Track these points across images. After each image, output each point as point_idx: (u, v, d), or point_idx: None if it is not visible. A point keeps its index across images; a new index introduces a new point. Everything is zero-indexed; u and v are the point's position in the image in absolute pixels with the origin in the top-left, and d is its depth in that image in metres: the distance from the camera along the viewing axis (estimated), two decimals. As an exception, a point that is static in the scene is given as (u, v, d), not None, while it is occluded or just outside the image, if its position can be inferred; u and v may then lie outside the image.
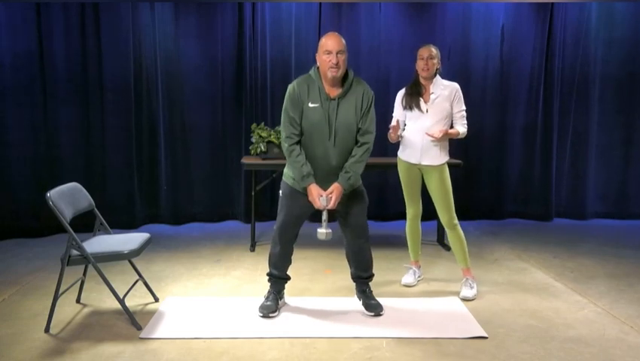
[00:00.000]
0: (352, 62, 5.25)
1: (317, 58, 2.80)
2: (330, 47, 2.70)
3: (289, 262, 3.05)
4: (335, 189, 2.78)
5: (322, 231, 2.82)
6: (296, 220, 2.92)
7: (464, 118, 3.29)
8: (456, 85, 3.29)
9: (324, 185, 2.81)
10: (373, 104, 2.84)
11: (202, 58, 5.13)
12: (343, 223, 2.96)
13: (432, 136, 3.19)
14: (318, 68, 2.81)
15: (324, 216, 2.84)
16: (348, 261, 3.08)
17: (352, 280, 3.12)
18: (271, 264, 3.03)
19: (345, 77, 2.80)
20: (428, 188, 3.35)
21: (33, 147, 4.75)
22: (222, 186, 5.35)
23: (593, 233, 5.12)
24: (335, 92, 2.79)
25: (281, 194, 2.96)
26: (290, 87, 2.82)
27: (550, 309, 3.12)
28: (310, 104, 2.76)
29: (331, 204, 2.77)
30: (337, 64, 2.70)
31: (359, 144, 2.82)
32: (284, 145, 2.82)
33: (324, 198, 2.77)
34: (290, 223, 2.90)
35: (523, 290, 3.45)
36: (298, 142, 2.81)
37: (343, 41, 2.75)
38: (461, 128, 3.27)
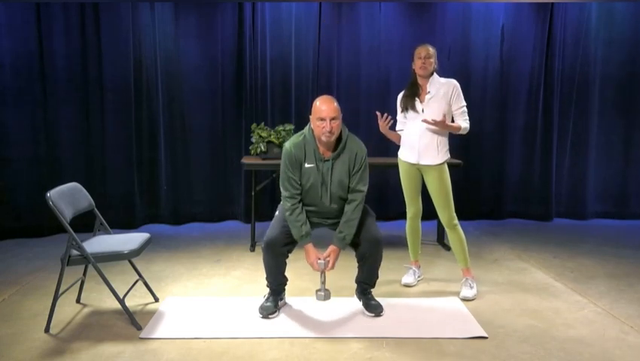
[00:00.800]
0: (352, 61, 5.29)
1: (311, 120, 2.85)
2: (324, 115, 2.75)
3: (283, 268, 2.99)
4: (332, 252, 2.86)
5: (321, 293, 2.90)
6: (287, 238, 2.89)
7: (466, 114, 3.28)
8: (454, 81, 3.28)
9: (321, 221, 2.99)
10: (366, 162, 2.91)
11: (202, 58, 5.13)
12: (357, 237, 2.92)
13: (427, 122, 3.17)
14: (312, 129, 2.86)
15: (323, 278, 2.90)
16: (359, 264, 3.03)
17: (355, 282, 3.11)
18: (266, 272, 3.00)
19: (339, 137, 2.87)
20: (427, 188, 3.35)
21: (33, 147, 4.75)
22: (222, 186, 5.35)
23: (593, 233, 5.12)
24: (329, 153, 2.87)
25: (277, 213, 3.01)
26: (286, 148, 2.89)
27: (550, 309, 3.12)
28: (306, 165, 2.86)
29: (329, 267, 2.85)
30: (331, 131, 2.76)
31: (349, 201, 2.89)
32: (287, 204, 2.87)
33: (322, 261, 2.84)
34: (280, 240, 2.87)
35: (523, 290, 3.45)
36: (300, 200, 2.88)
37: (337, 106, 2.80)
38: (462, 123, 3.26)
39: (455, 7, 5.29)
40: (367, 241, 2.89)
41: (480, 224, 5.44)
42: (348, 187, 2.88)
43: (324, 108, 2.76)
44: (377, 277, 3.06)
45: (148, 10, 4.98)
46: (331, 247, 2.87)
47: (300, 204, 2.88)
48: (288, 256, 2.97)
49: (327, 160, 2.85)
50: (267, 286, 3.04)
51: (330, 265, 2.85)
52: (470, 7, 5.33)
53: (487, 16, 5.36)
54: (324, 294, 2.90)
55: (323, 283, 2.91)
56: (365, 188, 2.90)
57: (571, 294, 3.40)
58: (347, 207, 2.88)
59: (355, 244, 2.94)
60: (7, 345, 2.59)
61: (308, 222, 2.88)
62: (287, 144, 2.90)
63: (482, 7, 5.34)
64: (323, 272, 2.89)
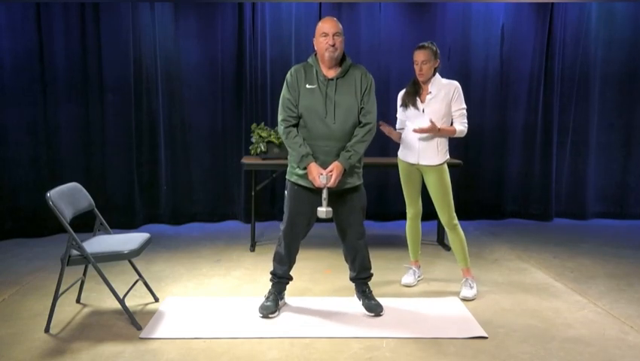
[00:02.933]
0: (352, 61, 5.28)
1: (314, 42, 2.85)
2: (326, 30, 2.76)
3: (293, 262, 3.03)
4: (335, 168, 2.78)
5: (322, 209, 2.81)
6: (301, 219, 2.91)
7: (464, 117, 3.27)
8: (455, 83, 3.27)
9: (326, 166, 2.80)
10: (373, 86, 2.88)
11: (202, 58, 5.13)
12: (343, 222, 2.94)
13: (422, 130, 3.16)
14: (315, 54, 2.86)
15: (324, 194, 2.81)
16: (347, 262, 3.08)
17: (351, 282, 3.12)
18: (275, 262, 3.03)
19: (343, 60, 2.86)
20: (427, 188, 3.35)
21: (33, 147, 4.75)
22: (222, 186, 5.35)
23: (593, 233, 5.12)
24: (333, 73, 2.83)
25: (286, 194, 2.98)
26: (287, 74, 2.88)
27: (550, 309, 3.12)
28: (307, 86, 2.82)
29: (331, 182, 2.76)
30: (334, 45, 2.75)
31: (361, 125, 2.84)
32: (281, 128, 2.85)
33: (324, 176, 2.77)
34: (295, 221, 2.90)
35: (523, 290, 3.45)
36: (295, 125, 2.84)
37: (339, 24, 2.81)
38: (459, 126, 3.25)
39: (455, 7, 5.29)
40: (356, 232, 2.94)
41: (480, 224, 5.44)
42: (359, 111, 2.82)
43: (327, 25, 2.78)
44: (370, 271, 3.07)
45: (148, 10, 4.98)
46: (335, 163, 2.78)
47: (295, 128, 2.83)
48: (300, 240, 2.99)
49: (331, 80, 2.81)
50: (271, 280, 3.04)
51: (332, 180, 2.76)
52: (470, 7, 5.33)
53: (487, 16, 5.36)
54: (326, 211, 2.80)
55: (325, 199, 2.81)
56: (375, 113, 2.87)
57: (571, 294, 3.40)
58: (359, 130, 2.82)
59: (343, 236, 2.97)
60: (7, 345, 2.59)
61: (306, 144, 2.79)
62: (289, 71, 2.90)
63: (482, 7, 5.33)
64: (325, 187, 2.79)
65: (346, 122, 2.81)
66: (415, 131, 3.20)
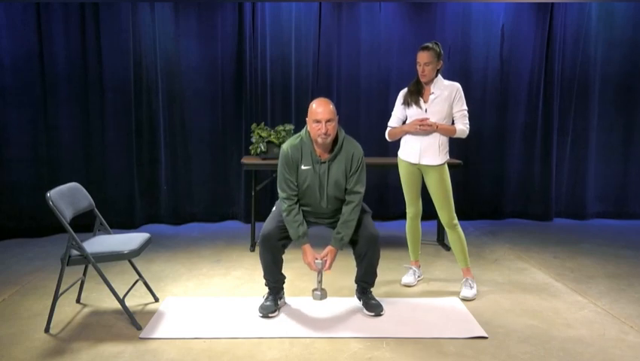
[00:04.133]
0: (352, 62, 5.29)
1: (307, 122, 2.87)
2: (319, 117, 2.77)
3: (280, 263, 3.00)
4: (329, 253, 2.89)
5: (318, 293, 2.91)
6: (282, 233, 2.91)
7: (466, 118, 3.27)
8: (457, 85, 3.28)
9: (318, 221, 3.01)
10: (363, 164, 2.92)
11: (202, 58, 5.13)
12: (354, 236, 2.92)
13: (425, 124, 3.17)
14: (308, 131, 2.88)
15: (319, 278, 2.91)
16: (357, 262, 3.03)
17: (354, 282, 3.11)
18: (263, 270, 3.00)
19: (336, 139, 2.88)
20: (427, 188, 3.35)
21: (33, 147, 4.76)
22: (222, 186, 5.35)
23: (593, 233, 5.12)
24: (325, 155, 2.88)
25: (274, 208, 3.03)
26: (283, 149, 2.91)
27: (550, 309, 3.12)
28: (303, 167, 2.88)
29: (326, 267, 2.87)
30: (326, 132, 2.78)
31: (346, 203, 2.90)
32: (284, 205, 2.90)
33: (319, 261, 2.85)
34: (275, 234, 2.88)
35: (523, 290, 3.45)
36: (297, 202, 2.91)
37: (332, 108, 2.82)
38: (460, 126, 3.26)
39: (455, 7, 5.29)
40: (364, 238, 2.90)
41: (480, 224, 5.44)
42: (345, 189, 2.90)
43: (320, 110, 2.78)
44: (376, 276, 3.05)
45: (148, 10, 4.98)
46: (329, 248, 2.89)
47: (297, 205, 2.90)
48: (283, 252, 2.97)
49: (324, 162, 2.87)
50: (266, 285, 3.04)
51: (327, 265, 2.87)
52: (470, 7, 5.33)
53: (487, 16, 5.36)
54: (321, 294, 2.91)
55: (320, 282, 2.92)
56: (363, 189, 2.91)
57: (571, 294, 3.40)
58: (345, 209, 2.89)
59: (352, 242, 2.95)
60: (7, 345, 2.59)
61: (305, 223, 2.90)
62: (284, 146, 2.92)
63: (482, 7, 5.34)
64: (320, 272, 2.90)
65: (336, 202, 2.92)
66: (419, 122, 3.19)
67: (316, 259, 2.86)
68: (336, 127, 2.83)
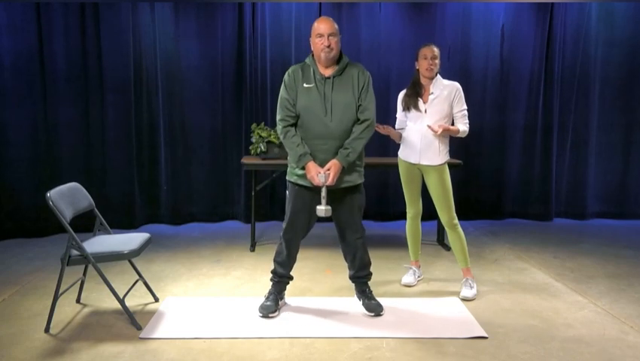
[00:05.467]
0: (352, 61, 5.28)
1: (311, 42, 2.85)
2: (321, 30, 2.76)
3: (293, 261, 3.04)
4: (333, 166, 2.77)
5: (321, 207, 2.81)
6: (301, 218, 2.91)
7: (466, 117, 3.28)
8: (457, 84, 3.28)
9: (325, 165, 2.81)
10: (370, 83, 2.87)
11: (202, 58, 5.13)
12: (341, 221, 2.94)
13: (432, 129, 3.17)
14: (312, 54, 2.87)
15: (323, 193, 2.81)
16: (347, 261, 3.08)
17: (350, 281, 3.12)
18: (276, 261, 3.03)
19: (340, 59, 2.86)
20: (428, 188, 3.35)
21: (33, 147, 4.75)
22: (222, 186, 5.35)
23: (593, 233, 5.12)
24: (329, 71, 2.84)
25: (287, 194, 2.99)
26: (285, 74, 2.89)
27: (550, 309, 3.12)
28: (305, 85, 2.83)
29: (330, 181, 2.76)
30: (329, 46, 2.75)
31: (360, 122, 2.84)
32: (279, 127, 2.86)
33: (322, 174, 2.77)
34: (295, 221, 2.91)
35: (523, 290, 3.45)
36: (293, 125, 2.85)
37: (335, 25, 2.81)
38: (462, 126, 3.26)
39: (455, 7, 5.29)
40: (353, 231, 2.94)
41: (480, 224, 5.44)
42: (356, 108, 2.82)
43: (322, 25, 2.77)
44: (369, 269, 3.07)
45: (148, 10, 4.98)
46: (333, 161, 2.78)
47: (293, 128, 2.84)
48: (301, 240, 3.00)
49: (328, 78, 2.82)
50: (271, 280, 3.04)
51: (330, 178, 2.76)
52: (470, 7, 5.33)
53: (487, 16, 5.36)
54: (325, 209, 2.80)
55: (324, 197, 2.81)
56: (373, 110, 2.86)
57: (571, 294, 3.40)
58: (357, 127, 2.82)
59: (342, 235, 2.98)
60: (7, 345, 2.59)
61: (304, 143, 2.81)
62: (287, 71, 2.91)
63: (482, 7, 5.34)
64: (324, 185, 2.79)
65: (344, 121, 2.81)
66: (429, 126, 3.19)
67: (319, 172, 2.77)
68: (339, 43, 2.81)
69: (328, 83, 2.81)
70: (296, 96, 2.83)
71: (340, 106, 2.80)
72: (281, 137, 2.87)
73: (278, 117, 2.86)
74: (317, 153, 2.81)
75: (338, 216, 2.94)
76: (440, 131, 3.15)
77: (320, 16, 5.17)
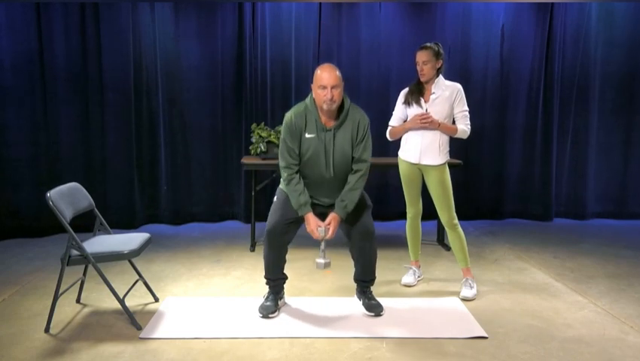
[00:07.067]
0: (352, 61, 5.29)
1: (312, 88, 2.82)
2: (325, 82, 2.72)
3: (283, 262, 3.00)
4: (332, 220, 2.82)
5: (321, 261, 2.87)
6: (287, 226, 2.89)
7: (467, 118, 3.27)
8: (458, 85, 3.28)
9: (322, 200, 2.92)
10: (368, 132, 2.88)
11: (202, 58, 5.13)
12: (349, 228, 2.93)
13: (427, 121, 3.16)
14: (313, 98, 2.83)
15: (323, 246, 2.87)
16: (353, 259, 3.05)
17: (353, 281, 3.11)
18: (265, 268, 3.00)
19: (341, 106, 2.83)
20: (428, 188, 3.35)
21: (33, 147, 4.75)
22: (222, 186, 5.35)
23: (593, 233, 5.12)
24: (331, 122, 2.83)
25: (275, 199, 2.99)
26: (287, 117, 2.85)
27: (550, 309, 3.12)
28: (307, 135, 2.82)
29: (329, 235, 2.82)
30: (332, 99, 2.72)
31: (353, 172, 2.86)
32: (284, 174, 2.87)
33: (322, 229, 2.81)
34: (280, 228, 2.86)
35: (523, 290, 3.45)
36: (297, 171, 2.86)
37: (338, 74, 2.76)
38: (462, 127, 3.26)
39: (455, 7, 5.29)
40: (359, 233, 2.89)
41: (480, 224, 5.44)
42: (352, 158, 2.84)
43: (326, 76, 2.71)
44: (374, 275, 3.04)
45: (148, 10, 4.98)
46: (332, 215, 2.82)
47: (297, 175, 2.85)
48: (287, 250, 2.95)
49: (329, 130, 2.81)
50: (266, 284, 3.04)
51: (330, 232, 2.80)
52: (470, 7, 5.33)
53: (487, 16, 5.36)
54: (324, 262, 2.85)
55: (323, 251, 2.85)
56: (369, 158, 2.87)
57: (571, 294, 3.40)
58: (351, 177, 2.84)
59: (347, 236, 2.95)
60: (7, 345, 2.59)
61: (306, 192, 2.84)
62: (288, 114, 2.87)
63: (482, 7, 5.34)
64: (323, 240, 2.83)
65: (342, 170, 2.87)
66: (419, 116, 3.18)
67: (319, 226, 2.81)
68: (342, 93, 2.78)
69: (329, 135, 2.81)
70: (299, 145, 2.83)
71: (339, 157, 2.83)
72: (284, 183, 2.87)
73: (282, 164, 2.86)
74: (315, 195, 2.90)
75: (347, 224, 2.92)
76: (435, 122, 3.14)
77: (320, 16, 5.19)
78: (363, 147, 2.84)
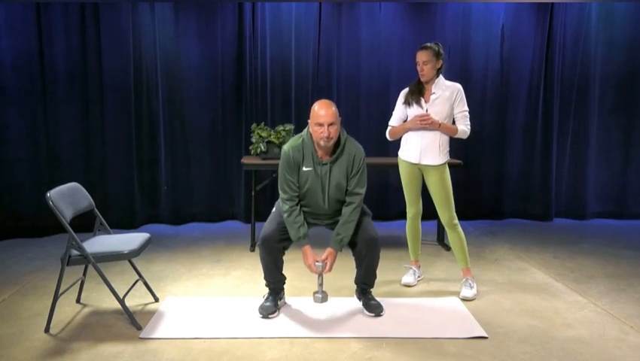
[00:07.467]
0: (352, 61, 5.30)
1: (309, 124, 2.85)
2: (321, 120, 2.75)
3: (280, 265, 3.00)
4: (329, 255, 2.88)
5: (319, 295, 2.93)
6: (283, 235, 2.90)
7: (467, 119, 3.27)
8: (458, 86, 3.28)
9: (318, 222, 3.01)
10: (364, 165, 2.91)
11: (202, 58, 5.13)
12: (354, 237, 2.91)
13: (426, 120, 3.16)
14: (310, 133, 2.86)
15: (320, 280, 2.92)
16: (357, 264, 3.04)
17: (354, 283, 3.11)
18: (264, 272, 3.00)
19: (338, 140, 2.87)
20: (428, 188, 3.35)
21: (33, 147, 4.75)
22: (222, 186, 5.35)
23: (593, 233, 5.12)
24: (327, 156, 2.87)
25: (274, 209, 3.03)
26: (284, 151, 2.90)
27: (550, 309, 3.12)
28: (305, 168, 2.87)
29: (327, 270, 2.87)
30: (329, 136, 2.76)
31: (346, 204, 2.89)
32: (285, 207, 2.89)
33: (319, 263, 2.85)
34: (275, 236, 2.88)
35: (523, 290, 3.45)
36: (298, 203, 2.90)
37: (335, 111, 2.79)
38: (462, 127, 3.26)
39: (455, 7, 5.29)
40: (363, 240, 2.89)
41: (480, 224, 5.44)
42: (346, 190, 2.89)
43: (322, 113, 2.75)
44: (375, 278, 3.05)
45: (148, 10, 4.98)
46: (328, 250, 2.89)
47: (298, 207, 2.90)
48: (284, 253, 2.97)
49: (325, 164, 2.86)
50: (266, 285, 3.04)
51: (327, 267, 2.87)
52: (470, 7, 5.33)
53: (487, 16, 5.36)
54: (322, 296, 2.93)
55: (320, 285, 2.94)
56: (363, 191, 2.91)
57: (571, 294, 3.40)
58: (345, 210, 2.89)
59: (352, 243, 2.94)
60: (7, 345, 2.59)
61: (306, 225, 2.90)
62: (285, 147, 2.91)
63: (482, 7, 5.34)
64: (320, 275, 2.90)
65: (337, 203, 2.91)
66: (419, 117, 3.18)
67: (316, 261, 2.86)
68: (338, 130, 2.82)
69: (325, 169, 2.86)
70: (298, 177, 2.88)
71: (334, 190, 2.87)
72: (285, 215, 2.89)
73: (283, 196, 2.89)
74: (309, 220, 2.97)
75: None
76: (434, 122, 3.15)
77: (320, 16, 5.19)
78: (357, 180, 2.88)
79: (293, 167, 2.87)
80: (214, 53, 5.14)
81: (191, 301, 3.19)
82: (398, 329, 2.79)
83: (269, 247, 2.88)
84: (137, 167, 5.08)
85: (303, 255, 2.90)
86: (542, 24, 5.37)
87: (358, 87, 5.34)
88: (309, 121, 2.85)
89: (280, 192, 2.92)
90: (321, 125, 2.75)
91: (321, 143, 2.78)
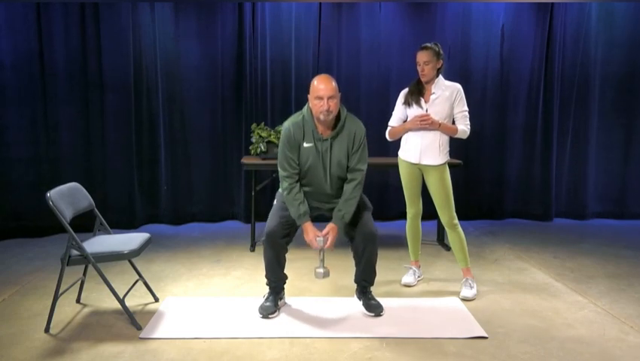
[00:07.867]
0: (352, 61, 5.29)
1: (309, 99, 2.83)
2: (321, 93, 2.73)
3: (283, 263, 3.00)
4: (331, 230, 2.86)
5: (320, 270, 2.89)
6: (286, 228, 2.90)
7: (467, 119, 3.27)
8: (458, 86, 3.28)
9: (320, 205, 2.97)
10: (364, 141, 2.90)
11: (202, 58, 5.13)
12: (352, 230, 2.93)
13: (426, 121, 3.16)
14: (310, 108, 2.85)
15: (321, 255, 2.89)
16: (356, 261, 3.04)
17: (354, 282, 3.11)
18: (266, 268, 3.00)
19: (338, 116, 2.85)
20: (428, 188, 3.35)
21: (33, 147, 4.76)
22: (222, 186, 5.35)
23: (593, 233, 5.12)
24: (328, 132, 2.86)
25: (275, 202, 3.02)
26: (284, 128, 2.89)
27: (550, 309, 3.12)
28: (305, 144, 2.85)
29: (328, 245, 2.85)
30: (328, 109, 2.74)
31: (348, 181, 2.88)
32: (284, 184, 2.88)
33: (320, 239, 2.83)
34: (279, 230, 2.86)
35: (523, 290, 3.45)
36: (298, 180, 2.88)
37: (334, 84, 2.78)
38: (462, 127, 3.26)
39: (455, 7, 5.29)
40: (362, 235, 2.88)
41: (480, 224, 5.44)
42: (347, 167, 2.87)
43: (322, 87, 2.74)
44: (375, 275, 3.04)
45: (148, 10, 4.98)
46: (330, 225, 2.87)
47: (298, 184, 2.87)
48: (287, 250, 2.96)
49: (326, 139, 2.83)
50: (267, 284, 3.04)
51: (328, 242, 2.84)
52: (470, 7, 5.33)
53: (487, 16, 5.36)
54: (324, 272, 2.87)
55: (322, 260, 2.88)
56: (365, 167, 2.89)
57: (571, 294, 3.40)
58: (347, 186, 2.87)
59: (350, 237, 2.94)
60: (7, 345, 2.59)
61: (306, 202, 2.87)
62: (286, 123, 2.90)
63: (482, 7, 5.34)
64: (322, 250, 2.86)
65: (339, 180, 2.90)
66: (419, 117, 3.18)
67: (317, 236, 2.83)
68: (338, 104, 2.80)
69: (326, 145, 2.84)
70: (298, 155, 2.86)
71: (335, 166, 2.86)
72: (285, 193, 2.88)
73: (283, 174, 2.88)
74: (316, 202, 2.95)
75: (349, 229, 2.94)
76: (434, 122, 3.15)
77: (320, 16, 5.19)
78: (358, 156, 2.87)
79: (293, 144, 2.84)
80: (214, 53, 5.14)
81: (191, 301, 3.19)
82: (398, 329, 2.79)
83: (273, 243, 2.87)
84: (137, 167, 5.08)
85: (304, 231, 2.86)
86: (542, 24, 5.37)
87: (358, 87, 5.34)
88: (308, 96, 2.83)
89: (280, 169, 2.89)
90: (320, 98, 2.73)
91: (321, 117, 2.76)
